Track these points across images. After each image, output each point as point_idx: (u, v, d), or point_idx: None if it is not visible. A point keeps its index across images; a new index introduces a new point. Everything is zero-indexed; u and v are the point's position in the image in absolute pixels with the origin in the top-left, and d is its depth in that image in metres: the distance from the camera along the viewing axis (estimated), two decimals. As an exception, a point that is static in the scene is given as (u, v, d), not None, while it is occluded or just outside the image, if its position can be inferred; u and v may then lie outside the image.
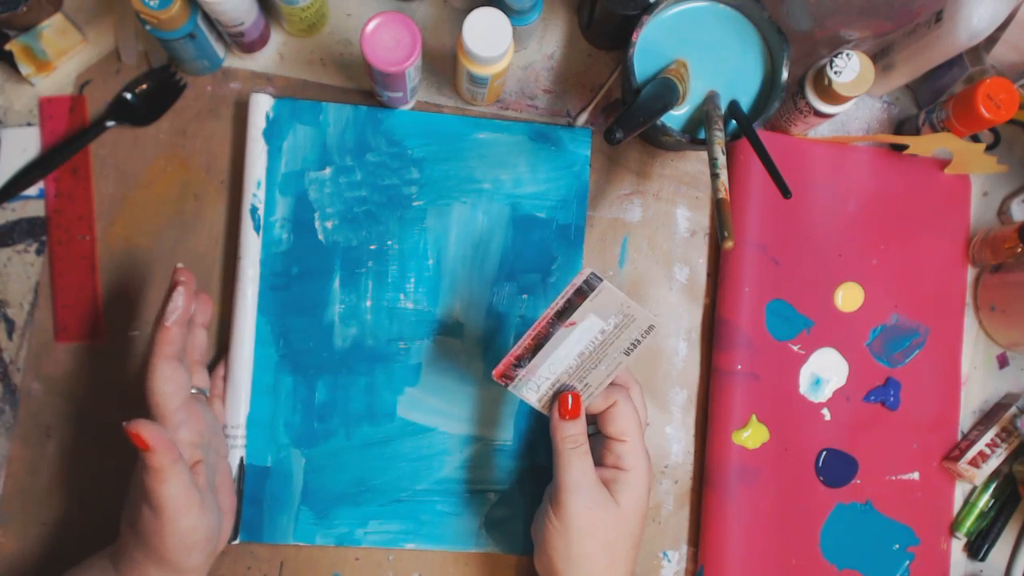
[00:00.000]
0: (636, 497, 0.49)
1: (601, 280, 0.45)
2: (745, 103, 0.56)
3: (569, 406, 0.48)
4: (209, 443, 0.50)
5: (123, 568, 0.47)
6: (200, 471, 0.48)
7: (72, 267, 0.57)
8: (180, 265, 0.49)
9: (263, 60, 0.60)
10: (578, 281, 0.45)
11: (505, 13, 0.52)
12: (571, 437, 0.48)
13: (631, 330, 0.47)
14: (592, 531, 0.48)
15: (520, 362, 0.47)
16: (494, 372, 0.47)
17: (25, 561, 0.56)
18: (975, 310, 0.64)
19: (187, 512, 0.45)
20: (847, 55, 0.54)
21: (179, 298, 0.47)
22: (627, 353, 0.47)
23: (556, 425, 0.48)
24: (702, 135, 0.53)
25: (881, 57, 0.59)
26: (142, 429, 0.43)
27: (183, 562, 0.47)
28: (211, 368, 0.56)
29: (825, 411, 0.61)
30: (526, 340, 0.47)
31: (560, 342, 0.47)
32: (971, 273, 0.64)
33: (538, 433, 0.59)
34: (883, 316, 0.62)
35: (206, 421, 0.50)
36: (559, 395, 0.48)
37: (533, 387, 0.48)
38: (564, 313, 0.46)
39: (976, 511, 0.62)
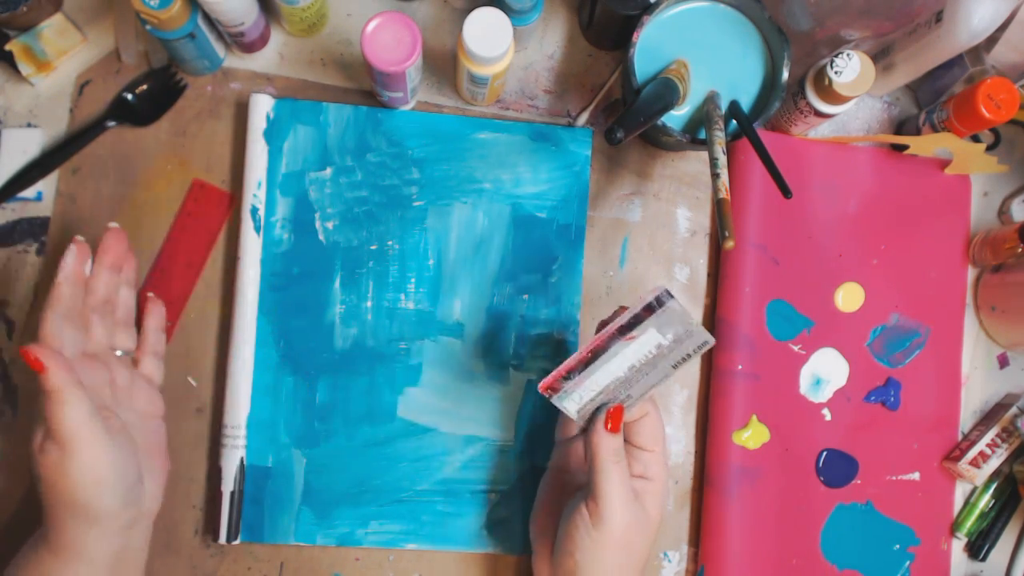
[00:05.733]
0: (660, 506, 0.50)
1: (672, 297, 0.43)
2: (745, 103, 0.56)
3: (613, 419, 0.47)
4: (124, 403, 0.50)
5: (48, 537, 0.45)
6: (110, 417, 0.47)
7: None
8: (113, 225, 0.52)
9: (263, 60, 0.60)
10: (649, 297, 0.44)
11: (505, 13, 0.52)
12: (615, 450, 0.47)
13: (685, 345, 0.46)
14: (630, 544, 0.48)
15: (570, 375, 0.46)
16: (541, 385, 0.47)
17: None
18: (975, 310, 0.64)
19: (91, 442, 0.43)
20: (847, 55, 0.54)
21: (69, 257, 0.50)
22: (675, 367, 0.47)
23: (600, 438, 0.47)
24: (702, 135, 0.53)
25: (881, 57, 0.59)
26: (37, 350, 0.42)
27: (92, 501, 0.44)
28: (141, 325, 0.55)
29: (825, 411, 0.61)
30: (582, 353, 0.46)
31: (615, 355, 0.46)
32: (971, 273, 0.64)
33: (539, 434, 0.59)
34: (883, 316, 0.62)
35: (120, 382, 0.51)
36: (604, 408, 0.48)
37: (576, 398, 0.48)
38: (627, 328, 0.45)
39: (977, 511, 0.62)
